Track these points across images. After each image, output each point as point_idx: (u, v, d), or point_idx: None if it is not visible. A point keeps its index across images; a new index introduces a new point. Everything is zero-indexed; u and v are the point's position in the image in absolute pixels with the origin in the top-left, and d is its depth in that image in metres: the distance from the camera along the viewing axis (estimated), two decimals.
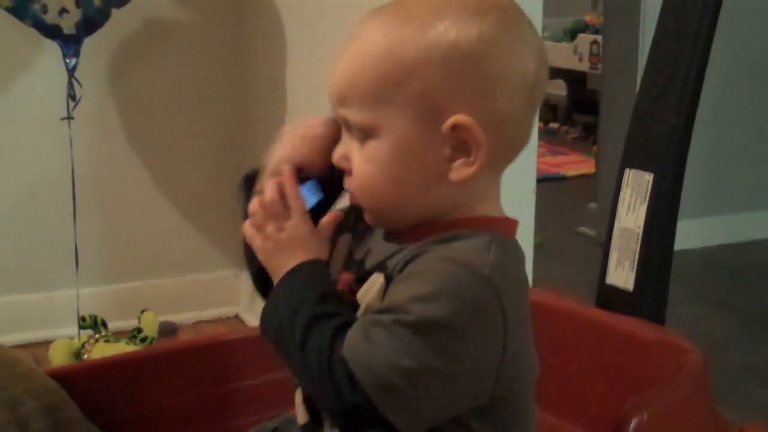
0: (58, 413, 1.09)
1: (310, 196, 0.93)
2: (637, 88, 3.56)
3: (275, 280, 0.90)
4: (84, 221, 2.28)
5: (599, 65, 4.34)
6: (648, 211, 1.31)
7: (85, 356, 2.17)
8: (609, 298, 1.34)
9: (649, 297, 1.30)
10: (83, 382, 1.17)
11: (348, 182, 0.91)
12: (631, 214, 1.33)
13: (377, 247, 0.93)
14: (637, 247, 1.31)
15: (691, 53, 1.28)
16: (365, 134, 0.87)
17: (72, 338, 2.25)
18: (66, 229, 2.23)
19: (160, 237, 2.58)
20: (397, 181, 0.87)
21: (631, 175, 1.33)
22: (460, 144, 0.86)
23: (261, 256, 0.92)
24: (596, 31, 4.86)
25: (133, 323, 2.32)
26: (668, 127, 1.30)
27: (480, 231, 0.86)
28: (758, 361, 2.35)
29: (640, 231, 1.31)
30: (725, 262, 3.17)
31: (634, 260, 1.31)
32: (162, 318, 2.37)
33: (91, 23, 2.17)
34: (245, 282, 2.61)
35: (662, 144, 1.30)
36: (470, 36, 0.84)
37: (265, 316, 0.89)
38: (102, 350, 2.17)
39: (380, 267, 0.89)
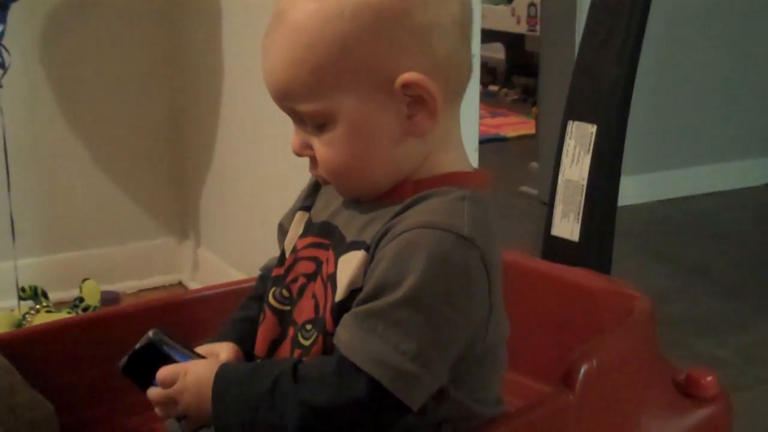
0: None
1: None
2: (576, 48, 3.56)
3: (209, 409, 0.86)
4: (19, 191, 2.23)
5: (537, 27, 4.35)
6: (592, 163, 1.31)
7: None
8: (554, 249, 1.35)
9: (595, 247, 1.31)
10: (24, 349, 1.14)
11: (313, 168, 0.90)
12: (575, 166, 1.33)
13: (350, 217, 0.91)
14: (582, 198, 1.32)
15: (632, 3, 1.29)
16: (320, 122, 0.86)
17: (12, 310, 2.20)
18: (1, 200, 2.18)
19: (99, 205, 2.53)
20: (364, 155, 0.86)
21: (574, 128, 1.34)
22: (415, 99, 0.85)
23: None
24: None
25: (74, 293, 2.28)
26: (611, 78, 1.30)
27: (449, 187, 0.86)
28: (698, 312, 2.39)
29: (585, 182, 1.32)
30: (664, 216, 3.22)
31: (579, 211, 1.32)
32: (104, 287, 2.34)
33: None
34: (188, 249, 2.59)
35: (605, 95, 1.31)
36: None
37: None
38: (44, 321, 2.13)
39: (358, 243, 0.87)
